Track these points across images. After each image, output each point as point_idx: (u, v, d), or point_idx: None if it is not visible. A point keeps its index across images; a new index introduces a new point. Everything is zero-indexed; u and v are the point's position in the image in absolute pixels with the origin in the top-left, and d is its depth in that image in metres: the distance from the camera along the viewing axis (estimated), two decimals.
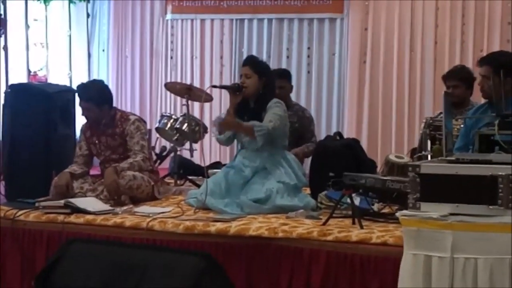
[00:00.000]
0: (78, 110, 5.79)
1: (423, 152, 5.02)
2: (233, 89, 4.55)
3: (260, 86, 4.56)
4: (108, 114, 4.85)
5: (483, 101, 4.54)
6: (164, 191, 4.98)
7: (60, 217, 4.14)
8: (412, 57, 7.60)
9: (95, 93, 4.82)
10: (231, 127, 4.55)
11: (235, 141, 4.82)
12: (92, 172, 5.04)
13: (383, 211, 4.12)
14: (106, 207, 4.33)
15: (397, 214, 3.08)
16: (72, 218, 4.13)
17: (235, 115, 4.56)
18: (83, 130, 4.98)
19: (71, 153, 5.20)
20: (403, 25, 7.60)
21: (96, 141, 4.87)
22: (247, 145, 4.62)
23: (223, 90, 7.62)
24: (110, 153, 4.85)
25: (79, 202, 4.28)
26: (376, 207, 4.17)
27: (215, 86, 5.04)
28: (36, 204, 4.34)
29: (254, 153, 4.57)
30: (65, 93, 5.72)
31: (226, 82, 8.06)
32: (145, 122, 5.07)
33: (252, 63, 4.63)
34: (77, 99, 4.92)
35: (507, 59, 4.30)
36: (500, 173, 2.84)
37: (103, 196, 4.58)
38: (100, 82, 5.06)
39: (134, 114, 5.09)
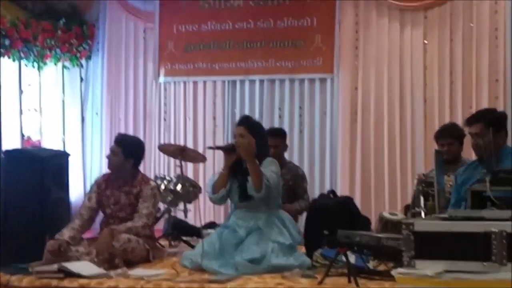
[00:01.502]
0: (72, 174, 5.85)
1: (417, 209, 5.04)
2: (228, 149, 4.58)
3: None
4: (130, 172, 4.91)
5: (474, 157, 4.58)
6: (158, 256, 4.96)
7: (54, 282, 4.11)
8: (402, 115, 7.67)
9: (129, 142, 5.01)
10: (247, 153, 4.43)
11: (228, 200, 4.82)
12: (88, 234, 5.02)
13: (379, 268, 4.11)
14: (100, 270, 4.30)
15: (393, 272, 3.08)
16: (66, 283, 4.10)
17: (229, 175, 4.58)
18: (97, 181, 5.03)
19: (64, 217, 5.21)
20: (392, 84, 7.70)
21: (109, 194, 4.89)
22: (241, 205, 4.62)
23: (217, 151, 7.67)
24: (117, 209, 4.87)
25: (72, 266, 4.25)
26: (371, 264, 4.16)
27: (211, 148, 5.07)
28: (30, 269, 4.31)
29: (248, 213, 4.57)
30: (58, 157, 5.76)
31: (219, 142, 8.10)
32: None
33: (247, 123, 4.66)
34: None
35: (496, 114, 4.39)
36: (493, 230, 2.86)
37: (97, 259, 4.55)
38: (140, 140, 5.28)
39: (155, 181, 5.15)
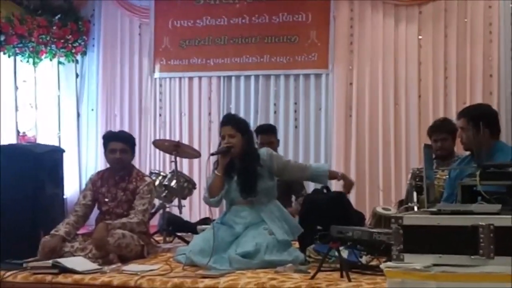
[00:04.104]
0: (66, 169, 5.85)
1: (410, 204, 5.06)
2: (226, 152, 4.59)
3: (244, 143, 4.60)
4: (128, 167, 4.91)
5: (467, 153, 4.60)
6: (153, 252, 4.98)
7: (48, 277, 4.13)
8: (396, 110, 7.70)
9: (131, 138, 5.08)
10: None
11: None
12: (82, 230, 5.04)
13: (371, 263, 4.13)
14: (94, 266, 4.32)
15: (381, 266, 3.10)
16: (60, 278, 4.12)
17: (225, 175, 4.59)
18: (93, 179, 5.04)
19: (59, 212, 5.21)
20: (387, 79, 7.72)
21: (105, 191, 4.91)
22: (240, 201, 4.61)
23: (211, 147, 7.73)
24: (114, 205, 4.89)
25: (66, 261, 4.27)
26: (364, 259, 4.17)
27: (213, 154, 5.04)
28: (24, 265, 4.32)
29: (247, 208, 4.58)
30: (53, 153, 5.75)
31: (215, 138, 8.11)
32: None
33: (234, 122, 4.65)
34: (110, 144, 4.97)
35: (482, 111, 4.41)
36: (481, 223, 2.88)
37: (92, 255, 4.57)
38: None
39: (150, 177, 5.16)
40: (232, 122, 4.65)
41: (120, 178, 4.92)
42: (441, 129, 5.44)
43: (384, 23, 7.76)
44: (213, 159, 4.74)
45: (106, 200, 4.91)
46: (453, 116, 6.52)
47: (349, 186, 4.78)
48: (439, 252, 2.94)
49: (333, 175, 4.81)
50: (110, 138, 5.00)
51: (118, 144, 4.91)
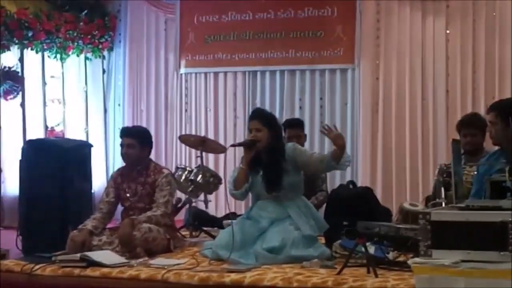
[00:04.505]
0: (94, 164, 5.89)
1: (438, 200, 5.02)
2: (249, 145, 4.59)
3: (270, 138, 4.59)
4: (144, 161, 4.97)
5: (495, 148, 4.55)
6: (179, 245, 5.01)
7: (76, 271, 4.16)
8: (424, 106, 7.64)
9: (141, 133, 5.07)
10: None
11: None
12: (110, 224, 5.08)
13: (398, 259, 4.11)
14: (122, 259, 4.35)
15: (409, 261, 3.08)
16: (88, 272, 4.15)
17: (249, 169, 4.59)
18: (113, 176, 5.09)
19: (87, 207, 5.25)
20: (414, 74, 7.67)
21: (126, 187, 4.95)
22: (266, 195, 4.61)
23: (237, 140, 7.71)
24: (136, 200, 4.92)
25: (95, 255, 4.30)
26: (391, 255, 4.15)
27: (233, 145, 5.05)
28: (53, 258, 4.37)
29: (273, 203, 4.58)
30: (81, 148, 5.80)
31: (240, 133, 8.13)
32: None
33: (261, 117, 4.65)
34: (120, 140, 5.04)
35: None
36: (510, 219, 2.85)
37: (119, 249, 4.60)
38: (147, 129, 5.37)
39: (167, 168, 5.18)
40: (259, 117, 4.65)
41: (138, 172, 4.97)
42: (470, 124, 5.38)
43: (411, 17, 7.71)
44: (238, 152, 4.74)
45: (127, 195, 4.96)
46: (481, 111, 6.48)
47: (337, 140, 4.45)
48: (468, 248, 2.91)
49: (335, 153, 4.43)
50: (120, 133, 5.12)
51: (125, 139, 4.97)
